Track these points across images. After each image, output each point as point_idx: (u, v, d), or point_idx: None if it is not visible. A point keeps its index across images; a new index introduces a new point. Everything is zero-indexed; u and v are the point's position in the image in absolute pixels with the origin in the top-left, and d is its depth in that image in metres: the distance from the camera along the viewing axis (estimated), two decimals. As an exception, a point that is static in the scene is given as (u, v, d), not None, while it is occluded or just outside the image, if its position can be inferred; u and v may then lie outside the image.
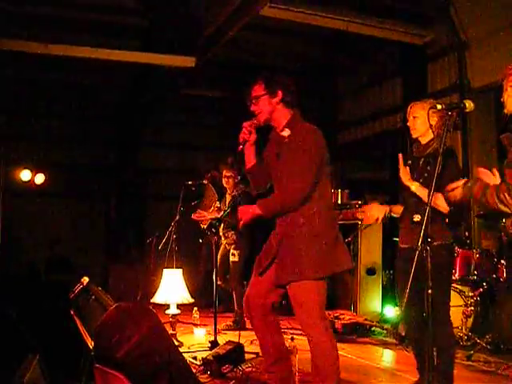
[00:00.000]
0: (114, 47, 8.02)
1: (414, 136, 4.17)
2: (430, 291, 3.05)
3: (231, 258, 7.05)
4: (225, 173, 7.13)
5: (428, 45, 8.27)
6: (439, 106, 3.23)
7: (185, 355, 5.36)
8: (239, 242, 7.05)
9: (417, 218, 3.69)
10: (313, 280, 3.61)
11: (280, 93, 3.78)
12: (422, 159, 4.08)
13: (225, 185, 7.19)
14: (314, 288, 3.63)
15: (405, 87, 8.82)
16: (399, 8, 7.72)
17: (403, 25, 7.89)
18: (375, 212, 4.25)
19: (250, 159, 3.96)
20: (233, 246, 7.10)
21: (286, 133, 3.77)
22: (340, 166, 10.56)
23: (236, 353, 5.22)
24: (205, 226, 7.21)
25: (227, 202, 7.16)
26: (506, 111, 3.10)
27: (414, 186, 3.91)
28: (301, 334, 6.81)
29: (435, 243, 3.45)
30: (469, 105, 3.21)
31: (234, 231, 6.99)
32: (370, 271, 7.85)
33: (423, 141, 4.13)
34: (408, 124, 4.19)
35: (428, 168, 3.98)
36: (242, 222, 3.75)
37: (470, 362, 5.44)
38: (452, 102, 3.38)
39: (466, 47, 7.72)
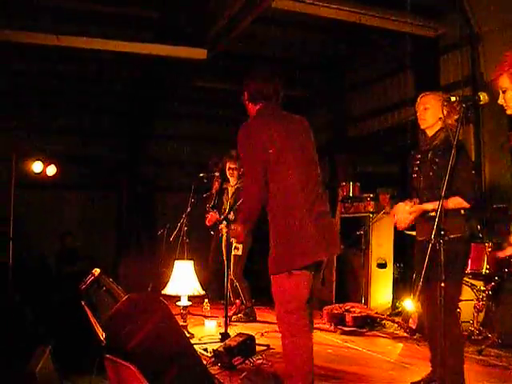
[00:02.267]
0: (126, 39, 8.00)
1: (423, 127, 4.11)
2: (442, 284, 3.03)
3: (234, 252, 7.03)
4: (229, 165, 7.15)
5: (440, 37, 8.21)
6: (453, 98, 3.21)
7: (196, 347, 5.39)
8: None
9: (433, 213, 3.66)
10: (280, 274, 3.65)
11: (245, 93, 3.94)
12: (431, 152, 4.04)
13: (229, 177, 7.21)
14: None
15: (417, 80, 8.75)
16: (412, 0, 7.66)
17: (416, 17, 7.84)
18: (402, 215, 4.16)
19: None
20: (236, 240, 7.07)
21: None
22: (351, 159, 10.55)
23: (247, 345, 5.23)
24: (210, 204, 7.28)
25: (230, 194, 7.18)
26: (509, 112, 3.09)
27: (426, 206, 3.91)
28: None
29: (451, 236, 3.42)
30: (483, 97, 3.19)
31: None
32: (381, 264, 7.84)
33: (430, 132, 4.09)
34: (417, 114, 4.13)
35: (437, 160, 3.94)
36: (239, 241, 3.85)
37: (481, 357, 5.41)
38: (466, 94, 3.27)
39: (479, 40, 7.66)
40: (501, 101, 3.13)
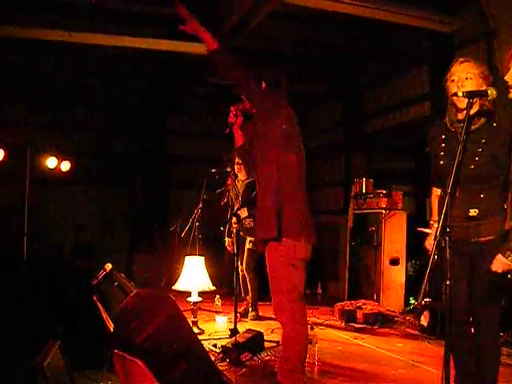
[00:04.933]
0: (138, 35, 8.01)
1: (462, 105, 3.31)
2: (448, 282, 2.95)
3: (248, 246, 7.04)
4: (237, 160, 7.13)
5: (456, 32, 8.13)
6: (460, 94, 3.14)
7: (205, 343, 5.42)
8: None
9: (473, 212, 3.32)
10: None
11: (263, 83, 3.99)
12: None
13: (236, 172, 7.19)
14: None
15: (432, 75, 8.67)
16: (427, -4, 7.60)
17: (431, 12, 7.75)
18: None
19: (238, 140, 4.19)
20: (250, 234, 7.05)
21: None
22: (366, 156, 10.50)
23: (255, 341, 5.23)
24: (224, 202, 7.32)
25: (239, 189, 7.16)
26: None
27: None
28: (322, 324, 6.91)
29: (490, 237, 3.31)
30: (491, 92, 3.13)
31: (251, 218, 6.93)
32: (394, 261, 7.80)
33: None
34: (450, 85, 3.41)
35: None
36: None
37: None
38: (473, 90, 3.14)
39: (494, 35, 7.56)
40: (508, 77, 3.08)
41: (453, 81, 3.37)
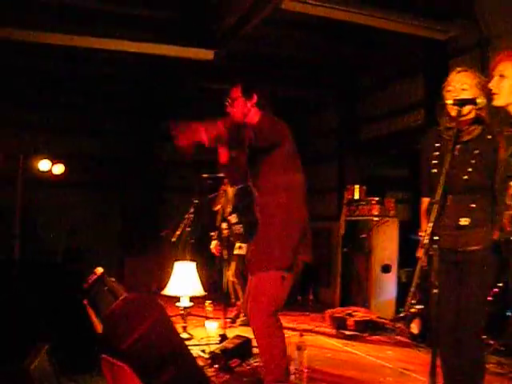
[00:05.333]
0: (131, 39, 8.00)
1: (498, 103, 3.25)
2: (435, 291, 2.94)
3: (237, 251, 6.99)
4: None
5: (451, 41, 8.15)
6: (449, 102, 3.15)
7: (194, 348, 5.42)
8: (247, 235, 7.01)
9: (464, 221, 3.32)
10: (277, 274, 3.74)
11: (255, 96, 4.01)
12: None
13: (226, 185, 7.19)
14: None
15: (426, 83, 8.70)
16: (422, 3, 7.61)
17: (426, 20, 7.77)
18: None
19: (224, 154, 4.14)
20: (239, 240, 7.02)
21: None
22: (361, 162, 10.50)
23: (244, 347, 5.22)
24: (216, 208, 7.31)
25: (229, 194, 7.14)
26: (495, 103, 3.04)
27: None
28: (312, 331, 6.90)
29: (478, 247, 3.33)
30: (480, 101, 3.13)
31: (241, 225, 6.91)
32: (385, 269, 7.79)
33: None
34: (446, 94, 3.39)
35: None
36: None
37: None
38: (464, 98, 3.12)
39: (488, 44, 7.59)
40: (492, 85, 3.08)
41: (449, 91, 3.38)
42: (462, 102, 3.12)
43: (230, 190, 7.12)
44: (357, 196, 8.48)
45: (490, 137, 3.30)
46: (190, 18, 7.99)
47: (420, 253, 3.51)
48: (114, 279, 4.94)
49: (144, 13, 7.90)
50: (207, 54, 8.15)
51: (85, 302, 4.59)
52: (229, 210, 6.97)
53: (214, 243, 7.32)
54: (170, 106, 11.24)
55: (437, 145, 3.45)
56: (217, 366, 5.02)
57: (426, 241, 2.86)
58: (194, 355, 4.63)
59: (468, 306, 3.29)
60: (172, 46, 8.08)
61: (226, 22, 7.72)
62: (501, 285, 6.08)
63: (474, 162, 3.30)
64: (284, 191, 3.79)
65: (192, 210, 7.38)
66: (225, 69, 9.03)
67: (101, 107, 11.22)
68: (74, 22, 7.75)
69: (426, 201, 3.65)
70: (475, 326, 3.37)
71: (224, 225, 6.66)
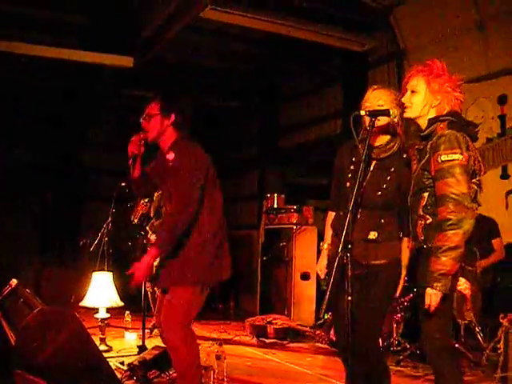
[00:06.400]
0: (50, 44, 7.82)
1: (410, 115, 3.16)
2: (349, 298, 2.97)
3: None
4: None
5: (368, 52, 8.35)
6: (362, 113, 3.19)
7: (112, 360, 5.30)
8: None
9: (373, 235, 3.35)
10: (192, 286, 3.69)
11: (173, 116, 3.84)
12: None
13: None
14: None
15: (345, 93, 8.87)
16: (340, 15, 7.76)
17: (344, 32, 7.95)
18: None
19: (136, 170, 4.01)
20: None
21: (171, 156, 3.81)
22: (281, 171, 10.59)
23: (163, 358, 5.12)
24: (136, 220, 7.13)
25: (155, 200, 7.05)
26: (406, 115, 3.13)
27: None
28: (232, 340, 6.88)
29: (383, 261, 3.36)
30: (393, 111, 3.19)
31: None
32: (305, 276, 7.86)
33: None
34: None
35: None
36: (135, 282, 3.71)
37: (399, 367, 5.50)
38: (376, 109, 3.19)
39: (404, 56, 7.81)
40: (405, 99, 3.15)
41: (366, 107, 3.38)
42: (374, 113, 3.17)
43: (156, 197, 7.05)
44: (276, 204, 8.52)
45: (405, 156, 3.36)
46: (110, 25, 7.88)
47: (320, 269, 3.66)
48: (29, 291, 4.78)
49: (66, 18, 7.75)
50: (127, 61, 8.06)
51: (-2, 314, 4.43)
52: (152, 214, 6.89)
53: None
54: (92, 114, 11.06)
55: (353, 159, 3.46)
56: (135, 377, 4.92)
57: (340, 249, 2.89)
58: (113, 367, 4.54)
59: (365, 318, 3.32)
60: (92, 52, 7.95)
61: (147, 30, 7.66)
62: (415, 290, 6.26)
63: (389, 178, 3.36)
64: (207, 212, 3.75)
65: (110, 219, 7.24)
66: (146, 76, 8.95)
67: (22, 115, 10.88)
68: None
69: (331, 215, 3.66)
70: (372, 336, 3.43)
71: (150, 234, 6.58)
